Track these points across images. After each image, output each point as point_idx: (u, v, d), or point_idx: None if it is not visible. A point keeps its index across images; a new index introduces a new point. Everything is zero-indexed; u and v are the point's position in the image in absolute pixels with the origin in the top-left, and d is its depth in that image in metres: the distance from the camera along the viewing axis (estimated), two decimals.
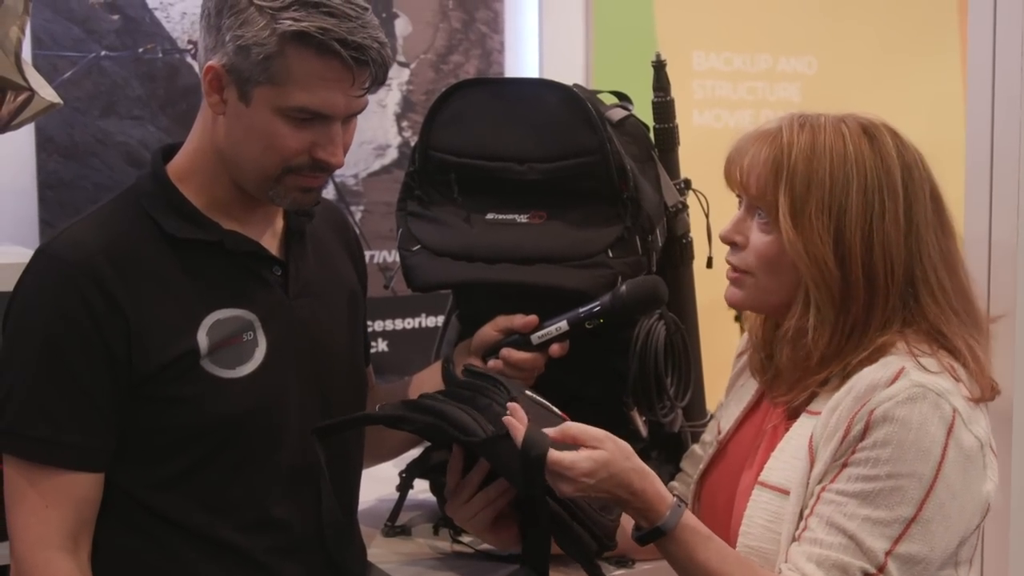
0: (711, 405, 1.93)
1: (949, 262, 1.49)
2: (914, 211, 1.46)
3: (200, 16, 1.57)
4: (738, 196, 1.56)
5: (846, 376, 1.46)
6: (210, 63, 1.52)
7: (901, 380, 1.38)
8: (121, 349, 1.50)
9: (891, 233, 1.45)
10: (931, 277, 1.46)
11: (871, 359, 1.44)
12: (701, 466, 1.69)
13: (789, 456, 1.48)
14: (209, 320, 1.55)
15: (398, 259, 1.82)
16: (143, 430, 1.51)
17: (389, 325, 2.83)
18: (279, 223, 1.66)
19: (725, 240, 1.55)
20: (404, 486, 1.83)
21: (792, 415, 1.53)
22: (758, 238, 1.51)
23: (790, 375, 1.51)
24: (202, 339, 1.53)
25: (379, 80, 1.55)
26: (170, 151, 1.64)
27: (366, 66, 1.51)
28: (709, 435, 1.73)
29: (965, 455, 1.38)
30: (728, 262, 1.56)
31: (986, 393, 1.45)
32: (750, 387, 1.66)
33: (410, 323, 2.89)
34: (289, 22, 1.47)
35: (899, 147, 1.48)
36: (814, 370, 1.47)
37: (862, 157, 1.46)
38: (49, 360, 1.49)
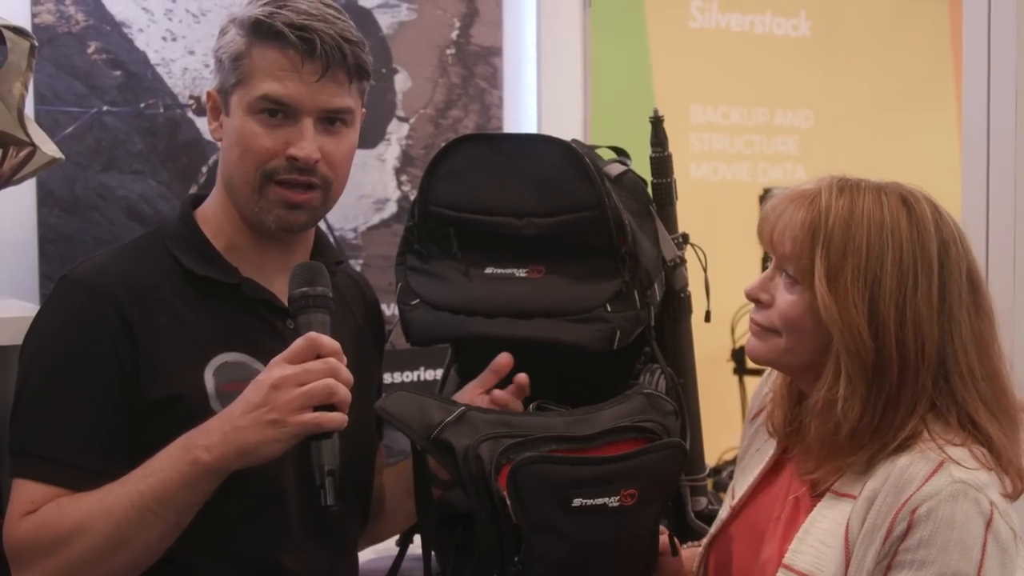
0: (710, 459, 1.92)
1: (981, 345, 1.46)
2: (948, 289, 1.44)
3: None
4: (765, 256, 1.56)
5: (871, 461, 1.43)
6: (207, 91, 1.61)
7: (941, 475, 1.37)
8: (132, 374, 1.52)
9: (923, 310, 1.42)
10: (961, 359, 1.43)
11: (898, 450, 1.41)
12: (712, 531, 1.67)
13: (817, 541, 1.45)
14: (216, 361, 1.57)
15: (397, 313, 1.82)
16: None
17: (388, 378, 2.83)
18: None
19: (751, 297, 1.54)
20: (403, 541, 1.82)
21: (816, 492, 1.50)
22: (784, 298, 1.49)
23: (819, 450, 1.48)
24: (209, 379, 1.55)
25: (333, 63, 1.56)
26: (198, 200, 1.68)
27: (313, 45, 1.54)
28: (725, 500, 1.71)
29: (1002, 549, 1.37)
30: (753, 320, 1.55)
31: (1017, 488, 1.43)
32: (766, 451, 1.64)
33: (408, 376, 2.89)
34: (246, 14, 1.56)
35: (938, 221, 1.46)
36: (844, 446, 1.44)
37: (899, 228, 1.43)
38: (66, 381, 1.51)
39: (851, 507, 1.43)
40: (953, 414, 1.43)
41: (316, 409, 1.45)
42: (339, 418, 1.46)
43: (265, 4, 1.57)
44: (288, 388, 1.44)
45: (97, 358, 1.52)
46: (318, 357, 1.47)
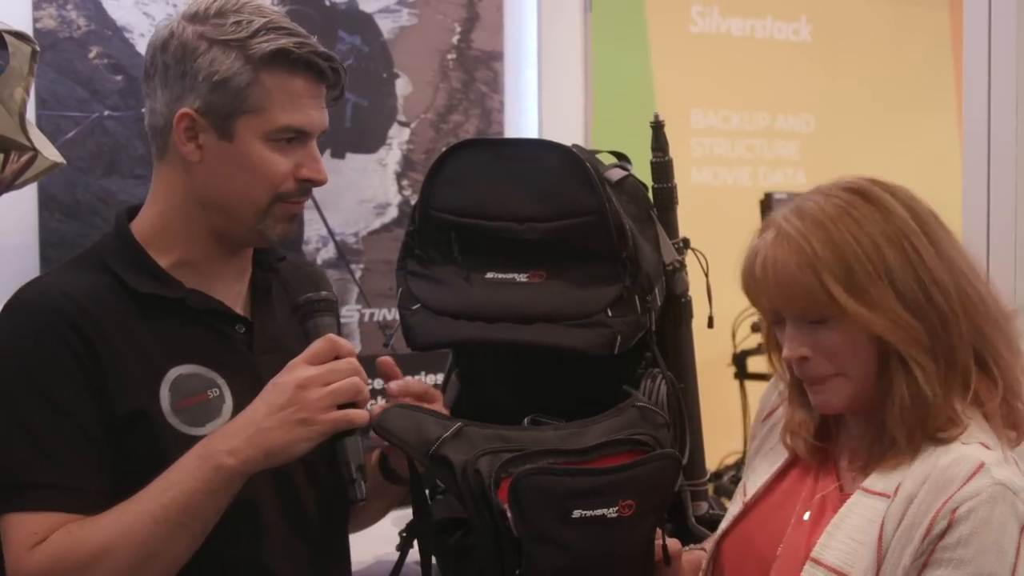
0: (710, 464, 1.92)
1: (976, 271, 1.52)
2: (936, 238, 1.48)
3: (148, 76, 1.59)
4: (772, 319, 1.55)
5: (913, 451, 1.45)
6: (182, 111, 1.54)
7: (982, 477, 1.39)
8: (101, 389, 1.50)
9: (933, 265, 1.46)
10: (969, 290, 1.48)
11: (944, 439, 1.43)
12: (723, 525, 1.67)
13: (847, 537, 1.46)
14: (171, 375, 1.55)
15: (398, 317, 1.82)
16: (120, 487, 1.50)
17: None
18: (245, 282, 1.67)
19: (792, 361, 1.51)
20: (404, 546, 1.81)
21: (845, 490, 1.51)
22: (823, 342, 1.48)
23: (900, 436, 1.47)
24: (164, 395, 1.54)
25: (343, 91, 1.63)
26: (134, 211, 1.65)
27: (338, 75, 1.58)
28: (736, 497, 1.71)
29: None
30: (808, 377, 1.52)
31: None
32: (780, 450, 1.64)
33: None
34: (264, 44, 1.53)
35: (890, 191, 1.50)
36: (930, 414, 1.45)
37: (871, 219, 1.47)
38: (40, 404, 1.49)
39: (885, 505, 1.43)
40: (992, 362, 1.47)
41: (340, 407, 1.49)
42: (365, 415, 1.51)
43: (273, 33, 1.54)
44: (315, 387, 1.47)
45: (67, 377, 1.49)
46: (336, 358, 1.50)
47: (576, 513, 1.51)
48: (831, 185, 1.52)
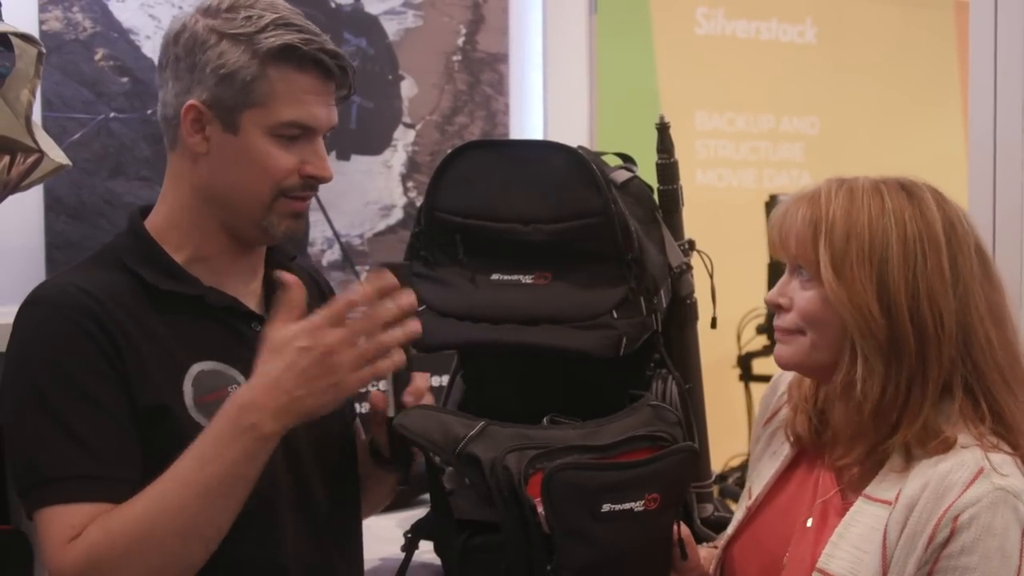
0: (715, 466, 1.92)
1: (996, 315, 1.48)
2: (959, 263, 1.46)
3: (161, 67, 1.61)
4: (771, 263, 1.57)
5: (909, 459, 1.44)
6: (190, 102, 1.56)
7: (981, 482, 1.38)
8: (127, 382, 1.50)
9: (936, 284, 1.44)
10: (979, 328, 1.46)
11: (937, 449, 1.43)
12: (729, 531, 1.67)
13: (852, 546, 1.46)
14: (193, 371, 1.56)
15: None
16: (142, 481, 1.50)
17: None
18: (259, 280, 1.68)
19: (770, 304, 1.55)
20: (409, 546, 1.81)
21: (847, 496, 1.51)
22: (800, 296, 1.51)
23: (844, 432, 1.50)
24: (187, 390, 1.54)
25: (352, 90, 1.63)
26: (146, 212, 1.65)
27: (345, 73, 1.59)
28: (741, 502, 1.71)
29: None
30: (776, 327, 1.56)
31: None
32: (782, 453, 1.64)
33: None
34: (272, 39, 1.54)
35: (940, 202, 1.48)
36: (869, 424, 1.46)
37: (900, 211, 1.46)
38: (69, 395, 1.48)
39: (887, 513, 1.43)
40: (981, 395, 1.45)
41: None
42: (388, 362, 1.49)
43: (281, 28, 1.55)
44: (343, 352, 1.45)
45: (93, 368, 1.50)
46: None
47: (605, 507, 1.53)
48: (892, 176, 1.52)
